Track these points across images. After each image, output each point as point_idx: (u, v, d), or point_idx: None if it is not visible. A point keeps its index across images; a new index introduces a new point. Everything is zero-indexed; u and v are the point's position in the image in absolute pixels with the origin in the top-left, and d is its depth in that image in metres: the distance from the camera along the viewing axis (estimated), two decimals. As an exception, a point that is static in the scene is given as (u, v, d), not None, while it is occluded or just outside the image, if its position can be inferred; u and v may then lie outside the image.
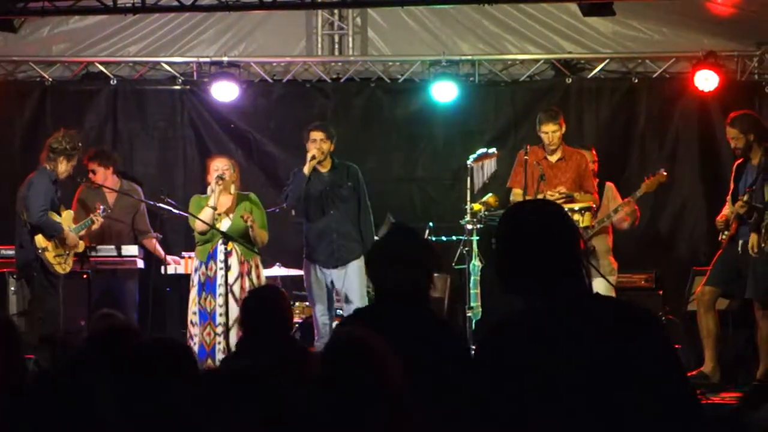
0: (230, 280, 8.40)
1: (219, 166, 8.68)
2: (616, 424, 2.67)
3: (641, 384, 2.68)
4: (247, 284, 8.46)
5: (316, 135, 8.66)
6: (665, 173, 8.87)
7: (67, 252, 8.66)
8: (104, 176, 9.36)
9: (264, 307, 4.96)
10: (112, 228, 9.38)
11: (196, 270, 8.62)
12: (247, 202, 8.73)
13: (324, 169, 8.74)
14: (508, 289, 2.85)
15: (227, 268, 8.39)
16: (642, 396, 2.68)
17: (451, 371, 3.76)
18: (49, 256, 8.52)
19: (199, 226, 8.53)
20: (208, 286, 8.50)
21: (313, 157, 8.57)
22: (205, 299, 8.48)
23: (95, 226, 9.00)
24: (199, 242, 8.64)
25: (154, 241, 9.48)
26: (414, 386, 3.28)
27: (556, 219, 2.88)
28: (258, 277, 8.62)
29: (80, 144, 8.84)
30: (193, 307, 8.54)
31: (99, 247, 9.20)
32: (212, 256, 8.51)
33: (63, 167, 8.67)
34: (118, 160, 9.61)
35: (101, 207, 9.02)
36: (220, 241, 8.42)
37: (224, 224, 8.55)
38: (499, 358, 2.75)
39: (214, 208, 8.53)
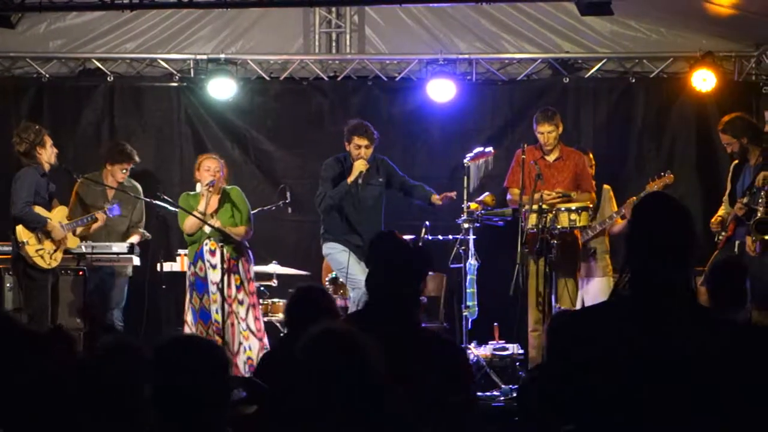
0: (216, 279, 8.38)
1: (210, 167, 8.59)
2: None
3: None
4: (233, 280, 8.45)
5: (361, 141, 8.69)
6: (672, 176, 8.85)
7: (56, 247, 8.56)
8: (112, 172, 9.35)
9: (308, 305, 5.04)
10: (114, 225, 9.29)
11: (187, 270, 8.67)
12: (230, 198, 8.67)
13: None
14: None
15: (213, 266, 8.40)
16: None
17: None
18: (30, 249, 8.42)
19: (187, 227, 8.53)
20: (199, 285, 8.52)
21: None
22: (198, 298, 8.47)
23: (98, 224, 8.93)
24: (188, 242, 8.67)
25: (138, 236, 9.37)
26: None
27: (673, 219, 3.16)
28: (248, 271, 8.60)
29: (38, 127, 8.64)
30: (186, 306, 8.58)
31: (95, 244, 9.08)
32: (200, 255, 8.53)
33: (44, 157, 8.54)
34: (133, 156, 9.47)
35: (110, 207, 8.94)
36: (206, 241, 8.43)
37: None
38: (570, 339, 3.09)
39: (204, 214, 8.48)
